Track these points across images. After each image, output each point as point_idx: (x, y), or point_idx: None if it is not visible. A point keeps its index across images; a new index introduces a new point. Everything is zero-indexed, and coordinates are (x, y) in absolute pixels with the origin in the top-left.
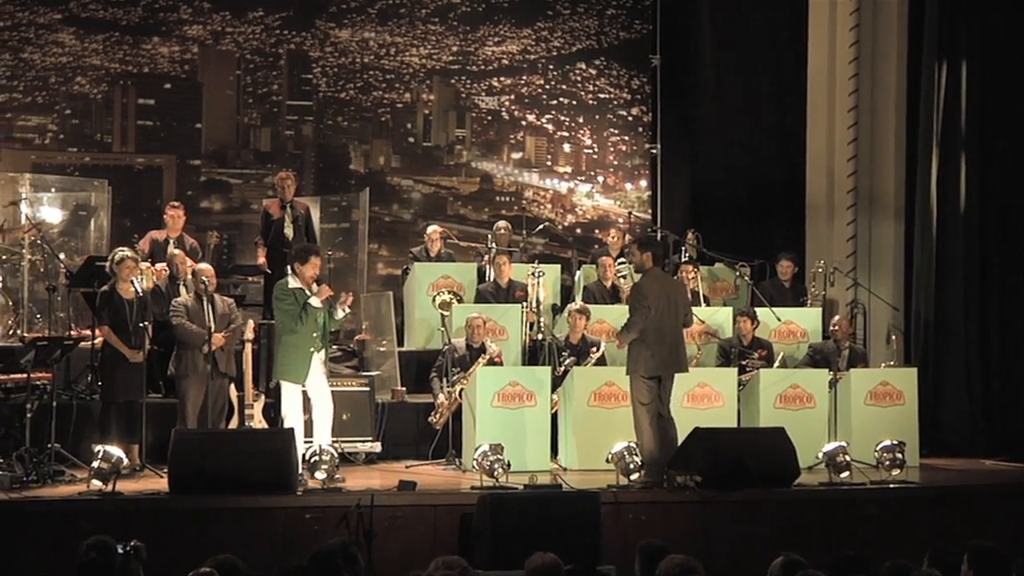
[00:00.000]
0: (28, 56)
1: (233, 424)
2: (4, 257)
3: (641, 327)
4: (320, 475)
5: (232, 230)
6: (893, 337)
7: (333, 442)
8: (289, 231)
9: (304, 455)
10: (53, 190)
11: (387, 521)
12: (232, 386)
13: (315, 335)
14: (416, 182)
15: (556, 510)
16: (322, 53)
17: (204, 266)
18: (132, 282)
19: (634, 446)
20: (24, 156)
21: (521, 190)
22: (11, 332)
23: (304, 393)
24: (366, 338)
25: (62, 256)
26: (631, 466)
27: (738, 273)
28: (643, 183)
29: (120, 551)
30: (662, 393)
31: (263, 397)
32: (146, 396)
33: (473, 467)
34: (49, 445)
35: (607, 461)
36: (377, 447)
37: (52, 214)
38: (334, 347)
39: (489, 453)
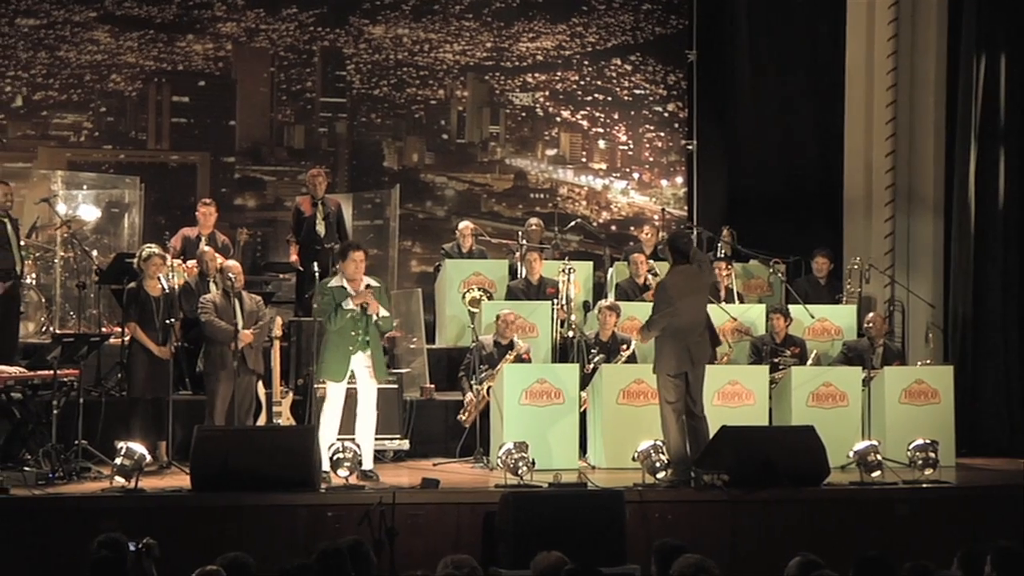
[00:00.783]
0: (64, 54)
1: (261, 421)
2: (37, 255)
3: (663, 325)
4: (343, 472)
5: (266, 227)
6: (930, 335)
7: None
8: (321, 228)
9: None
10: (85, 187)
11: (409, 519)
12: (260, 383)
13: (354, 334)
14: (450, 179)
15: (579, 509)
16: (356, 50)
17: (231, 263)
18: (159, 279)
19: (660, 444)
20: (60, 153)
21: (555, 187)
22: (43, 329)
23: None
24: (396, 335)
25: (95, 253)
26: (657, 464)
27: (772, 270)
28: (679, 180)
29: (132, 548)
30: (691, 390)
31: (291, 394)
32: (173, 393)
33: (498, 465)
34: (76, 442)
35: (633, 459)
36: (405, 445)
37: (85, 211)
38: None
39: (514, 451)
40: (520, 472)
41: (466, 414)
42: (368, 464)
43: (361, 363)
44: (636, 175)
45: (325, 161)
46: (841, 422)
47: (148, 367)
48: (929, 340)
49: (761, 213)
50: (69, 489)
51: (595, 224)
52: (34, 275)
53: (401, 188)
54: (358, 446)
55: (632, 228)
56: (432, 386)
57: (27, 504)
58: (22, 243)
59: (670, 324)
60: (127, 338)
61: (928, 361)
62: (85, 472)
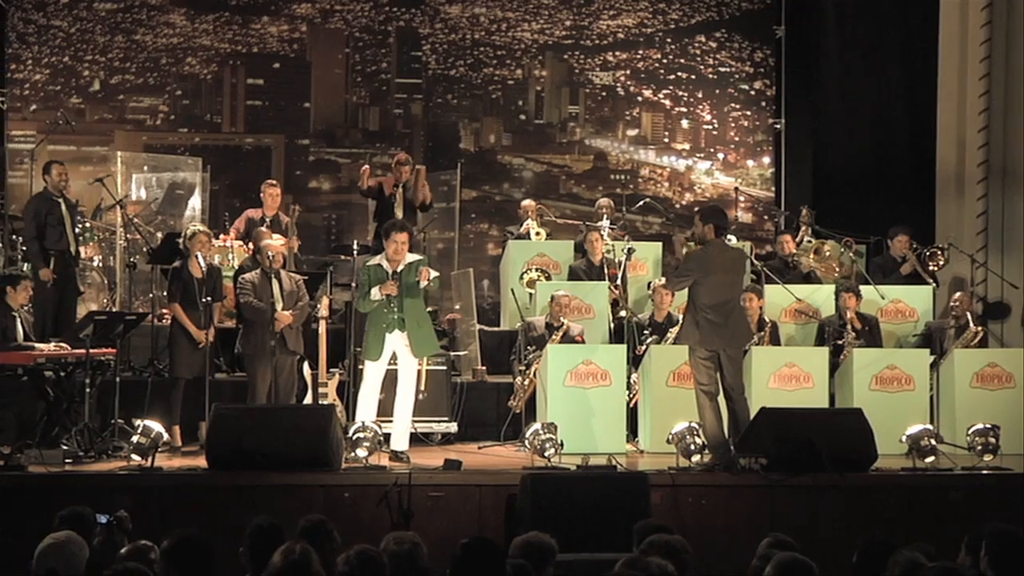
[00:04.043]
0: (140, 38)
1: (307, 402)
2: (100, 236)
3: (677, 284)
4: (361, 452)
5: (340, 210)
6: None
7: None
8: (399, 211)
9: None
10: (146, 168)
11: (429, 501)
12: (306, 364)
13: (386, 312)
14: (527, 160)
15: (601, 491)
16: (432, 30)
17: (268, 241)
18: (197, 258)
19: (696, 426)
20: (136, 137)
21: (637, 168)
22: (107, 310)
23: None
24: (456, 317)
25: (159, 236)
26: (692, 447)
27: (843, 250)
28: (766, 160)
29: (103, 521)
30: (726, 372)
31: (338, 375)
32: (213, 374)
33: (519, 446)
34: (112, 421)
35: (668, 442)
36: (453, 427)
37: (147, 193)
38: None
39: (541, 432)
40: (547, 454)
41: (515, 399)
42: (402, 445)
43: (399, 342)
44: (721, 155)
45: (400, 143)
46: (907, 406)
47: (189, 348)
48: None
49: (849, 193)
50: (94, 467)
51: (678, 206)
52: (99, 256)
53: (477, 170)
54: (379, 425)
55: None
56: (484, 368)
57: (44, 481)
58: (87, 224)
59: (698, 299)
60: (168, 318)
61: None
62: (117, 451)
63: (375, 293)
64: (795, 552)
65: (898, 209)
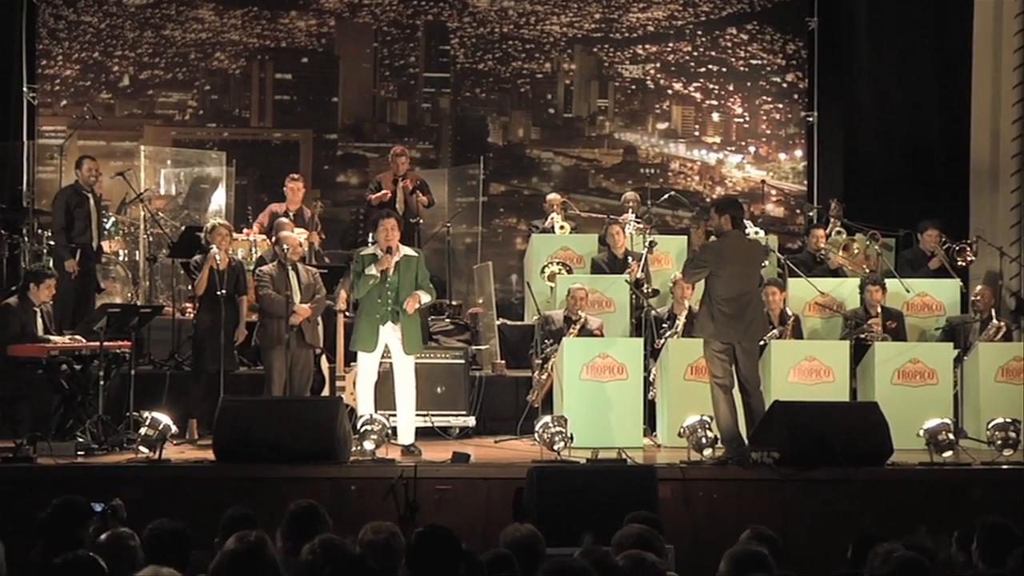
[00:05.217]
0: (169, 33)
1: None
2: (124, 231)
3: (693, 275)
4: (369, 445)
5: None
6: None
7: (422, 415)
8: (400, 205)
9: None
10: (169, 163)
11: (437, 494)
12: (324, 357)
13: (380, 302)
14: (556, 154)
15: (607, 484)
16: (460, 23)
17: (285, 233)
18: (212, 250)
19: (708, 419)
20: (165, 132)
21: (667, 161)
22: (120, 302)
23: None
24: (478, 311)
25: (184, 229)
26: (703, 441)
27: (868, 243)
28: (798, 153)
29: (98, 510)
30: (741, 365)
31: (355, 369)
32: (236, 368)
33: (535, 440)
34: (127, 414)
35: (679, 435)
36: (471, 421)
37: (171, 187)
38: (446, 319)
39: (551, 425)
40: (557, 447)
41: (534, 393)
42: (409, 438)
43: (392, 335)
44: (752, 148)
45: (428, 137)
46: (930, 401)
47: (212, 341)
48: None
49: (881, 186)
50: (102, 460)
51: (708, 200)
52: (124, 251)
53: (506, 164)
54: (387, 418)
55: (749, 204)
56: (503, 362)
57: (51, 473)
58: (112, 219)
59: (713, 291)
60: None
61: None
62: (130, 444)
63: (371, 269)
64: (777, 544)
65: (931, 202)
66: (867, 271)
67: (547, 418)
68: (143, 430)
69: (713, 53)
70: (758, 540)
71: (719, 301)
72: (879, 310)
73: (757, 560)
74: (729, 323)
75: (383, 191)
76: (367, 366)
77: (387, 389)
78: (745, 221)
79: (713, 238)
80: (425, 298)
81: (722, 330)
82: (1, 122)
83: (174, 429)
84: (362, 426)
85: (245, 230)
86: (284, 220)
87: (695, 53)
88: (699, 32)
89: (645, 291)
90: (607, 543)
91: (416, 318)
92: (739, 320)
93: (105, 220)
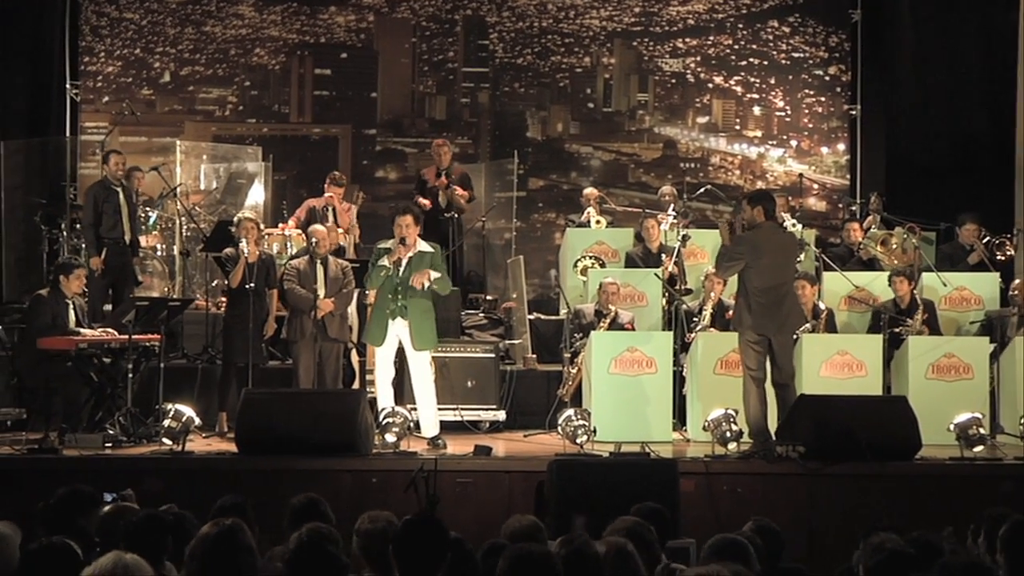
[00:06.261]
0: (210, 29)
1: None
2: (162, 225)
3: (728, 268)
4: (390, 438)
5: (407, 199)
6: None
7: (451, 409)
8: (443, 199)
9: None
10: (205, 157)
11: (458, 488)
12: (355, 352)
13: (391, 298)
14: (596, 149)
15: (628, 478)
16: (499, 18)
17: (315, 227)
18: (241, 243)
19: (732, 413)
20: (205, 128)
21: (707, 156)
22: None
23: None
24: (512, 306)
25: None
26: (727, 435)
27: (906, 236)
28: (840, 147)
29: (109, 499)
30: (776, 357)
31: None
32: (266, 362)
33: (558, 432)
34: (156, 406)
35: (703, 429)
36: (501, 415)
37: (211, 182)
38: (480, 314)
39: (574, 418)
40: (579, 440)
41: (564, 387)
42: (432, 431)
43: (402, 330)
44: (794, 142)
45: (467, 132)
46: (966, 396)
47: (242, 334)
48: None
49: (925, 179)
50: (127, 452)
51: (743, 192)
52: (162, 245)
53: (545, 159)
54: (409, 411)
55: (790, 198)
56: (534, 356)
57: (76, 464)
58: (150, 213)
59: (749, 283)
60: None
61: None
62: (156, 436)
63: (383, 260)
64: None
65: (975, 196)
66: (905, 265)
67: (570, 411)
68: (166, 422)
69: (754, 46)
70: (758, 532)
71: (755, 293)
72: (908, 303)
73: (736, 548)
74: (766, 315)
75: (427, 199)
76: (382, 360)
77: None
78: (783, 214)
79: (740, 231)
80: (435, 274)
81: (759, 322)
82: (44, 118)
83: (197, 421)
84: (384, 419)
85: (280, 225)
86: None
87: (736, 46)
88: (740, 25)
89: (679, 288)
90: None
91: (427, 314)
92: (776, 312)
93: (148, 215)
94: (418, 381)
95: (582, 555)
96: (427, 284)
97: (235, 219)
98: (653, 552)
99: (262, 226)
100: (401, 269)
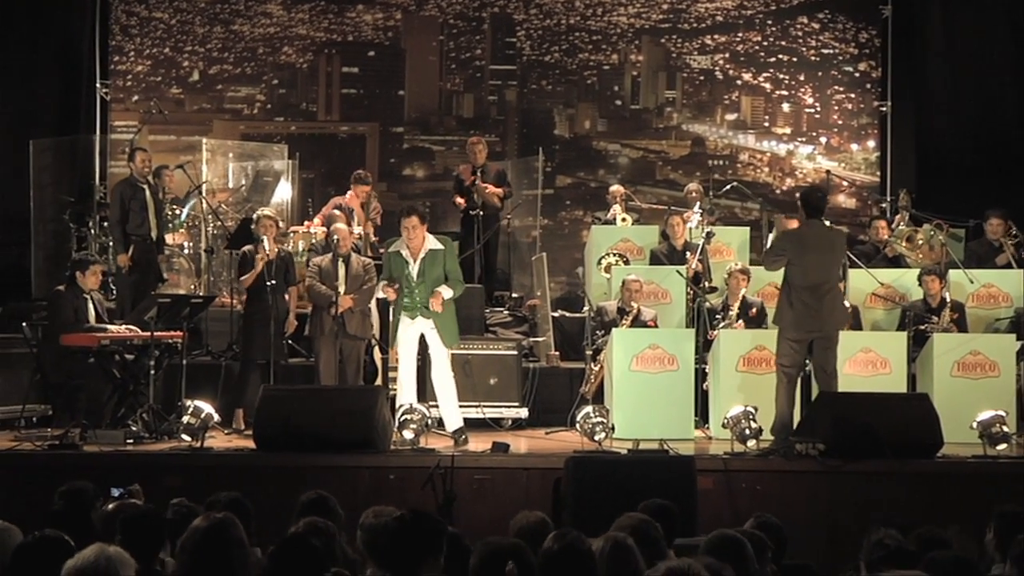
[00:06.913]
0: (238, 28)
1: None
2: (188, 223)
3: (773, 263)
4: (408, 435)
5: (434, 197)
6: None
7: (473, 406)
8: (477, 196)
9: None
10: (231, 155)
11: (475, 484)
12: (377, 348)
13: (408, 300)
14: (623, 146)
15: (645, 475)
16: (526, 16)
17: (337, 225)
18: (262, 240)
19: (752, 410)
20: (233, 126)
21: (736, 153)
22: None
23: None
24: (536, 303)
25: (241, 221)
26: (747, 432)
27: (932, 233)
28: (871, 143)
29: (116, 494)
30: (816, 354)
31: None
32: (287, 359)
33: (576, 429)
34: (179, 403)
35: (723, 426)
36: (523, 413)
37: (240, 180)
38: (505, 311)
39: (592, 415)
40: (598, 437)
41: (587, 385)
42: (455, 424)
43: (427, 328)
44: (823, 139)
45: (494, 130)
46: (992, 394)
47: (261, 331)
48: None
49: (955, 176)
50: (147, 448)
51: (778, 192)
52: (189, 243)
53: (572, 156)
54: (427, 407)
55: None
56: (557, 353)
57: (95, 461)
58: (176, 211)
59: (792, 279)
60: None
61: None
62: (177, 433)
63: (379, 292)
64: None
65: (1006, 193)
66: (933, 263)
67: (588, 408)
68: (185, 418)
69: (783, 43)
70: (760, 528)
71: (798, 289)
72: (938, 301)
73: (733, 544)
74: (807, 312)
75: (463, 198)
76: (404, 357)
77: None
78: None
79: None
80: (447, 294)
81: (800, 320)
82: (74, 118)
83: (216, 418)
84: (402, 416)
85: (306, 222)
86: (337, 212)
87: (765, 43)
88: (769, 21)
89: (703, 286)
90: None
91: (449, 311)
92: (817, 310)
93: (176, 212)
94: (439, 376)
95: (574, 550)
96: (445, 299)
97: (254, 216)
98: (658, 549)
99: (281, 223)
100: (416, 269)
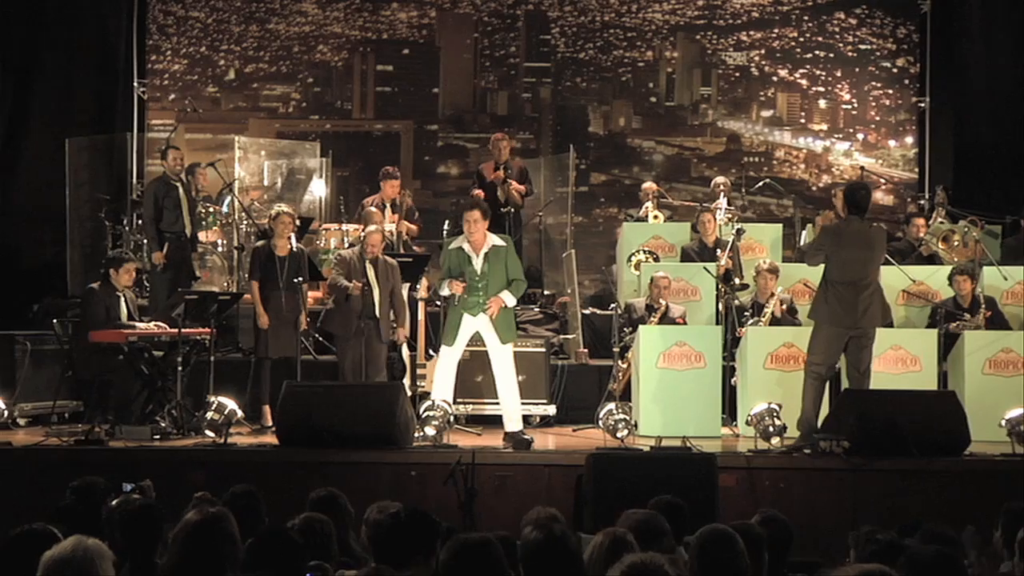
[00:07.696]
0: (273, 27)
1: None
2: (222, 221)
3: (813, 257)
4: (430, 431)
5: (468, 195)
6: None
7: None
8: (500, 193)
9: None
10: (263, 153)
11: (496, 481)
12: (405, 346)
13: (470, 297)
14: (658, 143)
15: (666, 472)
16: (561, 13)
17: (369, 230)
18: (290, 238)
19: (776, 408)
20: (269, 124)
21: (771, 150)
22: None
23: None
24: (567, 300)
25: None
26: (771, 429)
27: (966, 229)
28: (908, 140)
29: (127, 489)
30: (851, 351)
31: (436, 357)
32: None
33: (598, 426)
34: (206, 399)
35: (746, 423)
36: (551, 410)
37: (275, 178)
38: (536, 309)
39: (614, 411)
40: (620, 434)
41: (615, 382)
42: (516, 426)
43: (485, 326)
44: (860, 136)
45: (528, 127)
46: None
47: (275, 327)
48: None
49: (993, 172)
50: (173, 444)
51: (814, 188)
52: (223, 240)
53: (607, 153)
54: (450, 404)
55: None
56: (585, 351)
57: (119, 456)
58: (211, 210)
59: (829, 274)
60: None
61: None
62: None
63: (444, 289)
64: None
65: None
66: (966, 261)
67: (611, 405)
68: (209, 415)
69: (820, 38)
70: (765, 523)
71: (834, 285)
72: (969, 301)
73: (723, 539)
74: (843, 308)
75: (483, 193)
76: (447, 356)
77: (466, 379)
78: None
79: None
80: (510, 302)
81: (836, 315)
82: (110, 116)
83: (240, 414)
84: (424, 412)
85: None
86: (373, 210)
87: (801, 39)
88: (805, 17)
89: (734, 284)
90: None
91: (507, 308)
92: (853, 306)
93: (210, 210)
94: (503, 375)
95: (556, 541)
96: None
97: (272, 212)
98: (664, 545)
99: (298, 220)
100: (480, 266)
